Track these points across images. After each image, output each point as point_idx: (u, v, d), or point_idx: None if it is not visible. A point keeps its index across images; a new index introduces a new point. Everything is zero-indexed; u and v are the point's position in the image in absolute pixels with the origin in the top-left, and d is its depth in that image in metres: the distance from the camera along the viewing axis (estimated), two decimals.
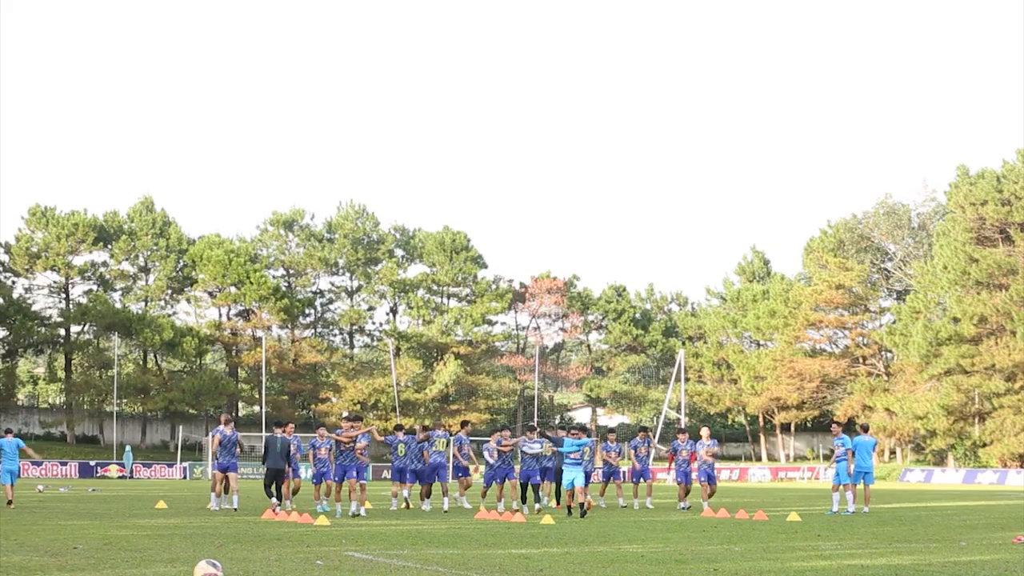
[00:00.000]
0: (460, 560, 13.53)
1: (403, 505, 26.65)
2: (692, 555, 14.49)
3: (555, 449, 25.24)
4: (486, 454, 25.70)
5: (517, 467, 25.66)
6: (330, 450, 24.48)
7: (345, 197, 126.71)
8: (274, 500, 23.92)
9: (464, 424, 29.40)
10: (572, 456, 23.55)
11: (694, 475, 27.07)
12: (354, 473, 23.75)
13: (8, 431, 27.62)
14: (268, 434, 25.04)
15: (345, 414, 50.00)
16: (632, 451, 29.69)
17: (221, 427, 25.25)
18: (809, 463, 79.80)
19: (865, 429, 27.23)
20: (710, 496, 26.44)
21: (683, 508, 27.05)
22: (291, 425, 25.99)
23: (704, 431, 27.09)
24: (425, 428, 27.21)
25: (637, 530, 19.62)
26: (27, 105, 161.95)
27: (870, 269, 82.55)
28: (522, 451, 25.21)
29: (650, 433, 31.34)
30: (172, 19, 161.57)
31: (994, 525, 21.66)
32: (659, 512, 26.79)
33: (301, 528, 19.00)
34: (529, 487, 26.21)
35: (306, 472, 33.99)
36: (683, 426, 51.01)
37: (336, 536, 17.14)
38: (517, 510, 24.37)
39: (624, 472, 32.72)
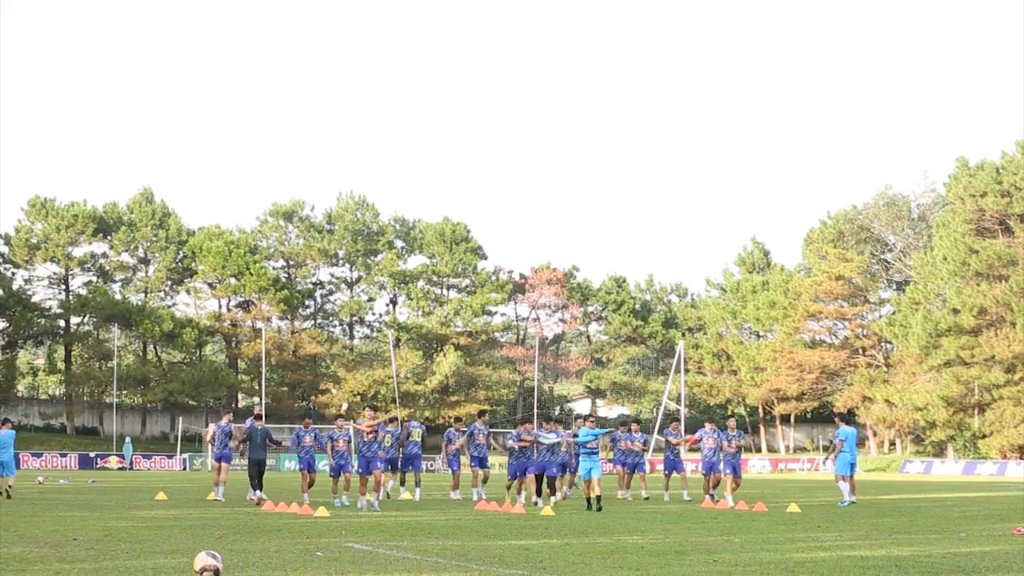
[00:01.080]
0: (460, 551, 13.51)
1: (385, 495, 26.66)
2: (692, 546, 14.47)
3: (571, 441, 25.17)
4: (511, 441, 25.53)
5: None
6: (348, 442, 24.36)
7: (345, 188, 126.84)
8: (258, 493, 23.95)
9: (481, 414, 29.33)
10: (589, 445, 23.44)
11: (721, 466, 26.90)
12: (379, 464, 23.02)
13: (6, 420, 27.39)
14: (249, 425, 25.16)
15: (345, 406, 49.82)
16: (665, 441, 29.58)
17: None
18: (809, 454, 79.87)
19: (846, 421, 27.37)
20: (735, 489, 26.02)
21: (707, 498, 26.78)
22: (308, 420, 26.08)
23: (731, 422, 26.95)
24: (393, 419, 27.04)
25: (637, 521, 19.62)
26: (27, 97, 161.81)
27: (870, 260, 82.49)
28: (538, 442, 25.04)
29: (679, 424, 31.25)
30: (171, 11, 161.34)
31: (993, 516, 21.67)
32: (659, 503, 26.79)
33: (301, 519, 18.98)
34: (545, 479, 26.00)
35: (321, 465, 33.77)
36: (681, 417, 50.93)
37: (336, 527, 17.13)
38: (535, 503, 24.29)
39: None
